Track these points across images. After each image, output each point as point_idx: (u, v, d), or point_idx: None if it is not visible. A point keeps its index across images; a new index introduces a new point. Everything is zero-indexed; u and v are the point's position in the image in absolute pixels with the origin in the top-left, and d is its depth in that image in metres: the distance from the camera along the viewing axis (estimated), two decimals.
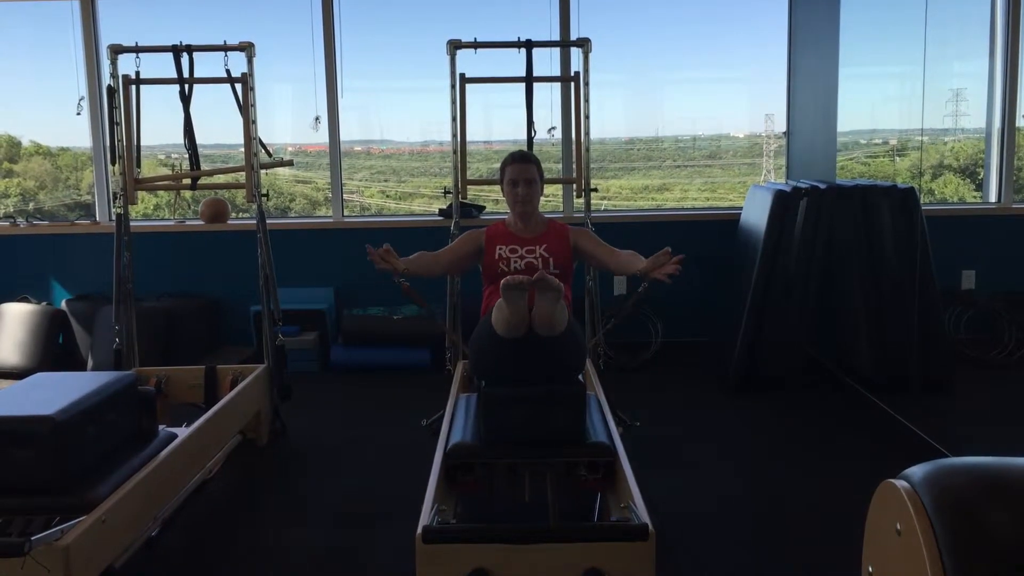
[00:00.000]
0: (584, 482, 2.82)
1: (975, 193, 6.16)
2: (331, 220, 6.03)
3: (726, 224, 5.69)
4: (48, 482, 2.61)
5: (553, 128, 5.21)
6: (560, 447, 2.79)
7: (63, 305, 5.72)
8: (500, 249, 3.36)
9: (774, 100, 6.27)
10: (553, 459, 2.79)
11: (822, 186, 4.91)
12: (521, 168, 3.39)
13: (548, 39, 5.33)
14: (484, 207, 5.98)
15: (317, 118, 5.86)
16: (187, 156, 4.32)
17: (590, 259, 3.49)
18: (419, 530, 2.29)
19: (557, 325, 2.80)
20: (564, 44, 5.49)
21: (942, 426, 4.15)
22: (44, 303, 5.74)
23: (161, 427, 3.30)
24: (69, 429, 2.64)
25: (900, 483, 1.27)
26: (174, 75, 4.17)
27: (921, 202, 4.78)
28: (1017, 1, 5.53)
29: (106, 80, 4.38)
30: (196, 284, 5.83)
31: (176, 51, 4.14)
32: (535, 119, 4.58)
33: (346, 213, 6.10)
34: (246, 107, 4.15)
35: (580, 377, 3.06)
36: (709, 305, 5.69)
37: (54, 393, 2.79)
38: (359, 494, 3.64)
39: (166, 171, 6.31)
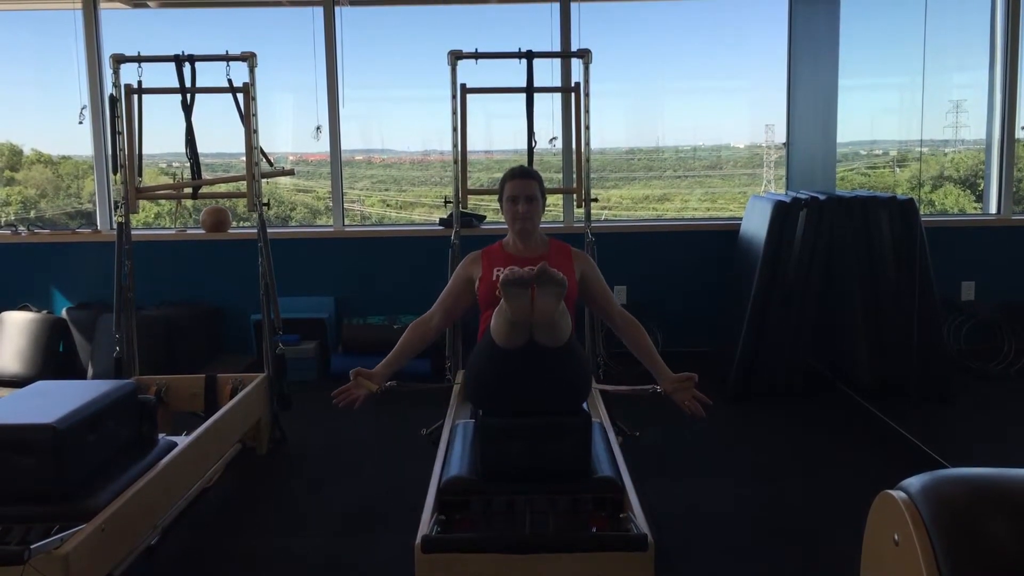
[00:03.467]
0: (591, 521, 2.63)
1: (975, 204, 6.17)
2: (332, 229, 6.04)
3: (726, 234, 5.70)
4: (48, 490, 2.61)
5: (554, 138, 5.22)
6: (564, 482, 2.59)
7: (64, 313, 5.72)
8: (498, 271, 3.15)
9: (774, 111, 6.29)
10: (556, 495, 2.60)
11: (822, 197, 4.92)
12: (521, 184, 3.20)
13: (549, 50, 5.35)
14: (485, 216, 5.99)
15: (318, 127, 5.87)
16: (188, 165, 4.34)
17: (590, 300, 3.29)
18: (418, 539, 2.29)
19: (559, 331, 2.60)
20: (565, 55, 5.51)
21: (941, 437, 4.15)
22: (45, 311, 5.74)
23: (161, 435, 3.31)
24: (69, 437, 2.64)
25: (898, 494, 1.28)
26: (176, 85, 4.19)
27: (921, 213, 4.79)
28: (1016, 13, 5.56)
29: (108, 89, 4.39)
30: (197, 293, 5.84)
31: (178, 61, 4.16)
32: (536, 129, 4.60)
33: (347, 222, 6.11)
34: (247, 116, 4.16)
35: (585, 405, 2.87)
36: (709, 314, 5.69)
37: (54, 401, 2.80)
38: (359, 503, 3.64)
39: (167, 180, 6.33)
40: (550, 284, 2.50)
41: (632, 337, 3.21)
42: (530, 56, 4.52)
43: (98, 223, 6.02)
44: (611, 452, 2.85)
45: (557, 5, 5.79)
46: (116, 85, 4.15)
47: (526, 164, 4.56)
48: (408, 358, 3.23)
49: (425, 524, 2.40)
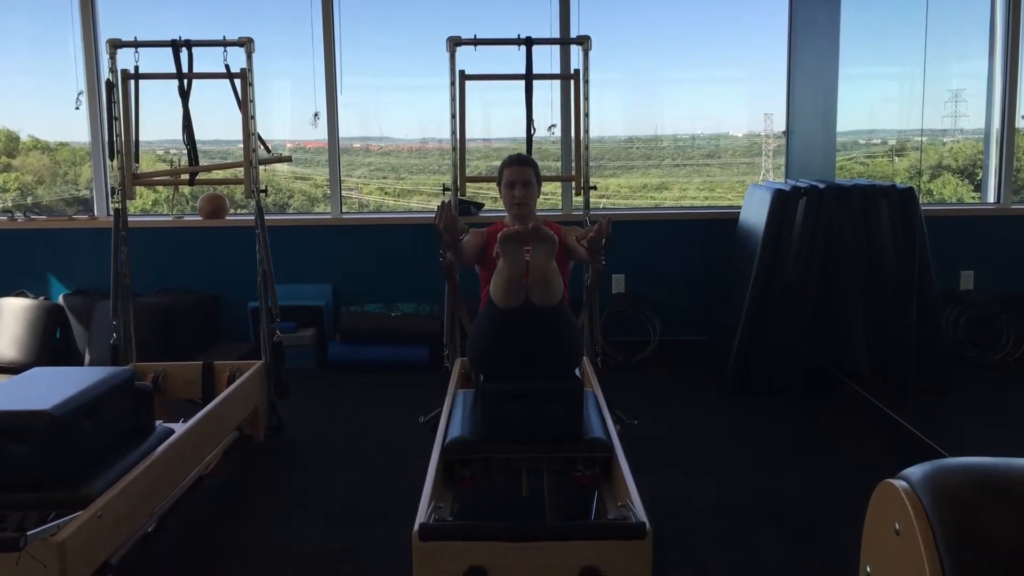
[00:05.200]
0: (581, 478, 2.84)
1: (974, 194, 6.16)
2: (329, 217, 6.02)
3: (725, 223, 5.69)
4: (44, 477, 2.60)
5: (553, 126, 5.20)
6: (558, 443, 2.82)
7: (60, 300, 5.71)
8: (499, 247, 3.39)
9: (773, 99, 6.27)
10: (551, 455, 2.82)
11: (821, 186, 4.91)
12: (518, 171, 3.48)
13: (548, 37, 5.32)
14: (483, 204, 5.97)
15: (316, 114, 5.85)
16: (186, 151, 4.32)
17: (573, 252, 3.54)
18: (416, 527, 2.29)
19: (552, 288, 2.86)
20: (564, 42, 5.48)
21: (940, 426, 4.15)
22: (41, 298, 5.73)
23: (158, 423, 3.30)
24: (66, 424, 2.63)
25: (899, 483, 1.27)
26: (173, 70, 4.16)
27: (920, 202, 4.78)
28: (1017, 2, 5.53)
29: (105, 75, 4.38)
30: (194, 280, 5.82)
31: (175, 46, 4.14)
32: (535, 117, 4.58)
33: (345, 210, 6.09)
34: (245, 103, 4.14)
35: (577, 372, 3.09)
36: (707, 304, 5.69)
37: (51, 388, 2.79)
38: (356, 491, 3.64)
39: (165, 166, 6.30)
40: (543, 241, 2.78)
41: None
42: (529, 43, 4.50)
43: (95, 209, 6.00)
44: (602, 417, 3.05)
45: None
46: (112, 70, 4.12)
47: (525, 152, 4.56)
48: (463, 252, 3.42)
49: (423, 512, 2.40)
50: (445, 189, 4.70)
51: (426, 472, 2.71)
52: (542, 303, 2.87)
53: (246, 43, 4.11)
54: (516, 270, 2.79)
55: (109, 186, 5.82)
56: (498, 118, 6.46)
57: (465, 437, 2.86)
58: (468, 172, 4.68)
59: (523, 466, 2.93)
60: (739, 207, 5.60)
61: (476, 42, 4.48)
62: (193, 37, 4.15)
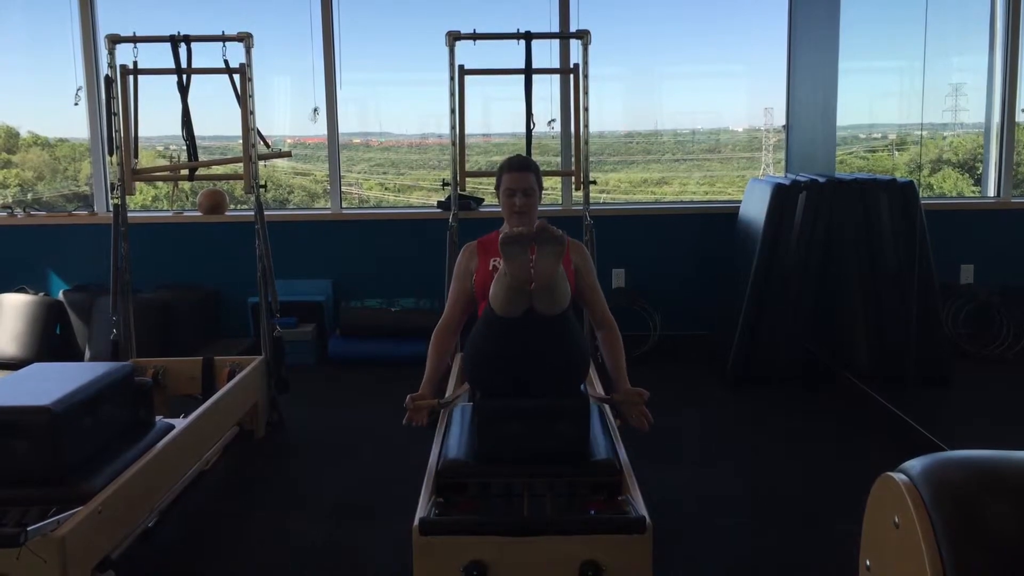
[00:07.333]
0: (587, 503, 2.63)
1: (974, 188, 6.16)
2: (329, 212, 6.02)
3: (725, 218, 5.69)
4: (44, 473, 2.61)
5: (552, 121, 5.20)
6: (562, 465, 2.59)
7: (60, 296, 5.71)
8: (494, 261, 3.13)
9: (773, 94, 6.26)
10: (554, 479, 2.61)
11: (821, 180, 4.90)
12: (518, 177, 3.15)
13: (547, 31, 5.32)
14: (483, 199, 5.96)
15: (315, 109, 5.85)
16: (185, 147, 4.31)
17: (577, 293, 3.15)
18: (416, 522, 2.28)
19: (559, 295, 2.59)
20: (563, 36, 5.47)
21: (940, 420, 4.15)
22: (41, 294, 5.73)
23: (158, 418, 3.30)
24: (66, 420, 2.63)
25: (898, 476, 1.27)
26: (172, 66, 4.16)
27: (920, 196, 4.78)
28: None
29: (104, 70, 4.37)
30: (194, 275, 5.82)
31: (174, 41, 4.13)
32: (534, 112, 4.57)
33: (345, 205, 6.09)
34: (244, 98, 4.14)
35: (583, 387, 2.90)
36: (707, 298, 5.69)
37: (51, 384, 2.79)
38: (356, 486, 3.64)
39: (164, 162, 6.30)
40: (550, 242, 2.48)
41: (609, 341, 3.15)
42: (528, 37, 4.49)
43: (95, 205, 6.00)
44: (610, 435, 2.85)
45: None
46: (112, 66, 4.11)
47: (525, 147, 4.56)
48: (444, 366, 3.19)
49: (423, 507, 2.40)
50: (445, 184, 4.70)
51: (426, 466, 2.71)
52: (547, 311, 2.58)
53: (245, 38, 4.10)
54: (520, 276, 2.48)
55: (109, 182, 5.82)
56: (498, 113, 6.46)
57: (460, 460, 2.61)
58: (468, 167, 4.68)
59: (524, 491, 2.65)
60: (739, 202, 5.60)
61: (475, 36, 4.47)
62: (192, 32, 4.14)
